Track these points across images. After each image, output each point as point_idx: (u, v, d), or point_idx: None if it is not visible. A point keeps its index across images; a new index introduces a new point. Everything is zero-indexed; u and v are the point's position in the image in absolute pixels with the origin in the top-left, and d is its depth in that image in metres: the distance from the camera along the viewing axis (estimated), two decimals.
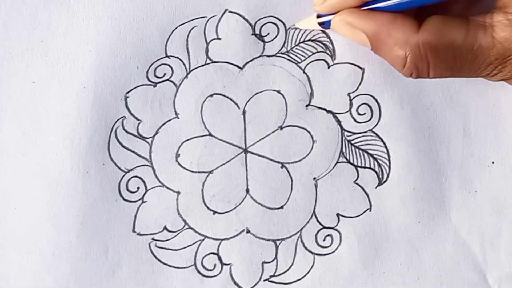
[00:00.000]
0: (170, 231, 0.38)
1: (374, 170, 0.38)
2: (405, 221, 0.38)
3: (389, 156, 0.38)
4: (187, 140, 0.38)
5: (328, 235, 0.38)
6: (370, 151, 0.38)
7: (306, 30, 0.38)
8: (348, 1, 0.34)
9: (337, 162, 0.38)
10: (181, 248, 0.38)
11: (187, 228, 0.38)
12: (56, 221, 0.37)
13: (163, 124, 0.38)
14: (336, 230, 0.38)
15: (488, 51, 0.32)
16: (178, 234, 0.38)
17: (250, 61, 0.38)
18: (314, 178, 0.38)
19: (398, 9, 0.33)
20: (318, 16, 0.36)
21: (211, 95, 0.38)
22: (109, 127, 0.38)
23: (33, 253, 0.37)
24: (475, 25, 0.32)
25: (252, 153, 0.38)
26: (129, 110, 0.38)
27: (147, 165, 0.38)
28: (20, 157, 0.38)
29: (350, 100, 0.38)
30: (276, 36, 0.38)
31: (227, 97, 0.38)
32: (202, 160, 0.38)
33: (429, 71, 0.33)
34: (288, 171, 0.38)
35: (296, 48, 0.38)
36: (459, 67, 0.32)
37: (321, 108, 0.38)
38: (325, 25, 0.36)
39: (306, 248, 0.38)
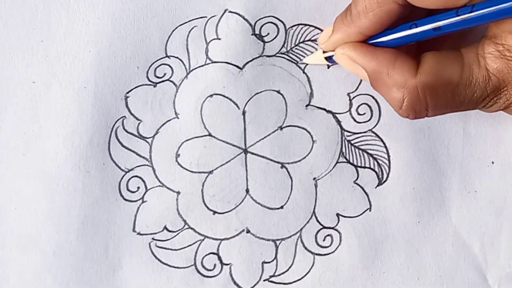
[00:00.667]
0: (170, 231, 0.38)
1: (374, 170, 0.38)
2: (405, 221, 0.38)
3: (389, 156, 0.38)
4: (187, 140, 0.38)
5: (328, 235, 0.38)
6: (370, 151, 0.38)
7: (306, 29, 0.38)
8: (351, 37, 0.34)
9: (337, 162, 0.38)
10: (181, 248, 0.38)
11: (187, 228, 0.38)
12: (56, 220, 0.37)
13: (163, 124, 0.38)
14: (336, 230, 0.38)
15: (485, 85, 0.32)
16: (178, 234, 0.38)
17: (250, 61, 0.38)
18: (314, 178, 0.38)
19: (399, 44, 0.33)
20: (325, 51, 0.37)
21: (211, 95, 0.38)
22: (109, 127, 0.38)
23: (34, 252, 0.37)
24: (469, 58, 0.32)
25: (252, 153, 0.38)
26: (129, 110, 0.38)
27: (147, 165, 0.38)
28: (21, 157, 0.38)
29: (350, 100, 0.38)
30: (276, 36, 0.38)
31: (227, 97, 0.38)
32: (202, 160, 0.38)
33: (427, 112, 0.33)
34: (288, 171, 0.38)
35: (296, 48, 0.38)
36: (458, 104, 0.32)
37: (321, 108, 0.38)
38: (331, 60, 0.36)
39: (306, 248, 0.38)
